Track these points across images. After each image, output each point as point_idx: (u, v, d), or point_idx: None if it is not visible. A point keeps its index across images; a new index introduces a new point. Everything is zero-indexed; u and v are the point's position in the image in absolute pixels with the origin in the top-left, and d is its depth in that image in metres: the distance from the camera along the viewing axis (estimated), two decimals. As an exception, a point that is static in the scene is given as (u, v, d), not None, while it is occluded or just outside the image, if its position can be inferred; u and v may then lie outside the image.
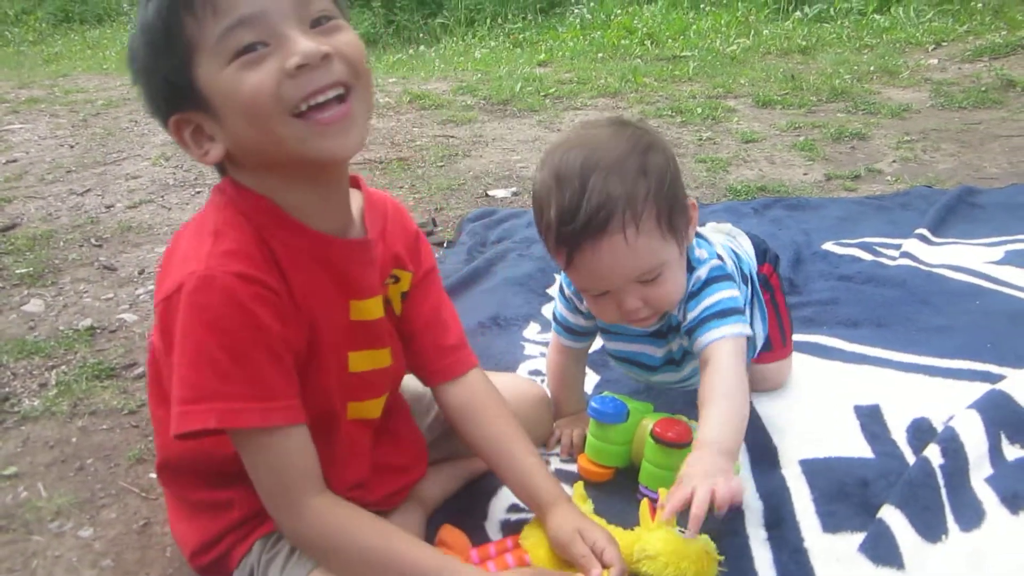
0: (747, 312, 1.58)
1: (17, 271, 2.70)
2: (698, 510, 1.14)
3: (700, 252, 1.48)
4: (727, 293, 1.43)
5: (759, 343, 1.70)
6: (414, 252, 1.34)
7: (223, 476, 1.22)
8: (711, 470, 1.19)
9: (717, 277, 1.44)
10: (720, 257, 1.51)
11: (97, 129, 4.91)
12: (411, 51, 7.55)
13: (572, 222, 1.29)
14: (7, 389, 1.99)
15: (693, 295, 1.44)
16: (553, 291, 2.29)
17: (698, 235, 1.52)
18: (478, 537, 1.38)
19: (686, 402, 1.73)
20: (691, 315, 1.43)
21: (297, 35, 1.00)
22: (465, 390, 1.38)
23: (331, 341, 1.18)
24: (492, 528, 1.44)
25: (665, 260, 1.35)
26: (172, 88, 1.05)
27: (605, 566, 1.20)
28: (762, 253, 1.77)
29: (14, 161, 4.20)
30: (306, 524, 1.13)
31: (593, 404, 1.52)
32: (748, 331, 1.42)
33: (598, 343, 1.70)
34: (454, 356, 1.38)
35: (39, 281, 2.64)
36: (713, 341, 1.38)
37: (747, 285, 1.62)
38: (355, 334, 1.21)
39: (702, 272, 1.44)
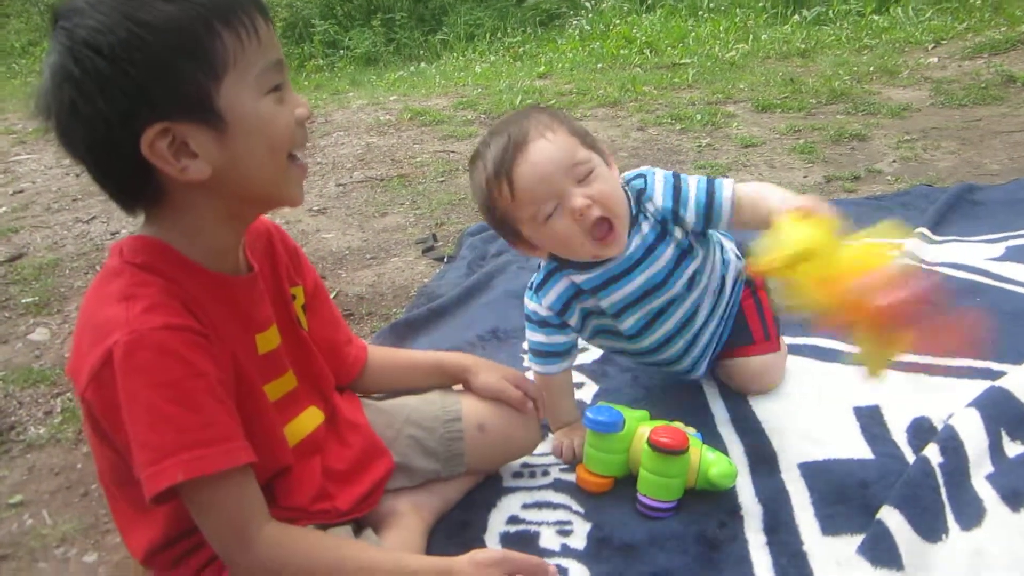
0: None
1: (23, 300, 2.73)
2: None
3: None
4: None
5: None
6: (297, 266, 1.41)
7: None
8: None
9: (676, 175, 1.59)
10: None
11: (102, 157, 4.93)
12: (412, 68, 7.58)
13: (503, 152, 1.46)
14: (13, 418, 2.01)
15: (676, 191, 1.57)
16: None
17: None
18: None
19: (682, 409, 1.73)
20: (691, 195, 1.56)
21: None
22: (372, 371, 1.55)
23: (252, 377, 1.20)
24: (491, 540, 1.44)
25: (592, 160, 1.47)
26: (175, 95, 1.02)
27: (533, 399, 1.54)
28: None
29: (20, 192, 4.23)
30: (262, 554, 1.13)
31: (588, 414, 1.52)
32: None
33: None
34: (354, 350, 1.53)
35: (45, 310, 2.66)
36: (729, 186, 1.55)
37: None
38: (265, 366, 1.25)
39: (657, 180, 1.58)
